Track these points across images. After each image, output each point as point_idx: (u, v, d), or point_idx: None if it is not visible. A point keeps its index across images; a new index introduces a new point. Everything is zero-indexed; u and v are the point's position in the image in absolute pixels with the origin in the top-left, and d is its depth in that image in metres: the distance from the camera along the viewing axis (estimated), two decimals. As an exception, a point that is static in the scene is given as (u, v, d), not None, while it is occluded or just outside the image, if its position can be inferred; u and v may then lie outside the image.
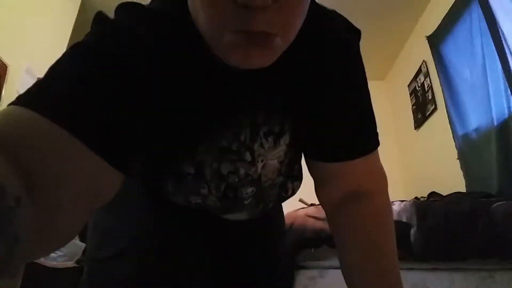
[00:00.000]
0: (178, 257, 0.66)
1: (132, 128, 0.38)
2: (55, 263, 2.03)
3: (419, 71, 3.17)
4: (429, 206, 1.60)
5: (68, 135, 0.32)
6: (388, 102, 3.91)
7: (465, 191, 2.26)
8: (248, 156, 0.56)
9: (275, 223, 0.84)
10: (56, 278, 2.01)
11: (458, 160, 2.43)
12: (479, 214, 1.54)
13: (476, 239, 1.49)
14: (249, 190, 0.60)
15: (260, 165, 0.58)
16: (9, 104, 0.33)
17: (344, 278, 0.60)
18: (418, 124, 3.20)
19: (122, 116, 0.37)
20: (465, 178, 2.34)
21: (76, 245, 2.17)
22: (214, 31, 0.38)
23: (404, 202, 1.67)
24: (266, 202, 0.66)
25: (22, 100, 0.33)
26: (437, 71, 2.75)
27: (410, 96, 3.36)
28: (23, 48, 2.37)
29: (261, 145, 0.56)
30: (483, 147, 2.16)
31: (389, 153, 3.75)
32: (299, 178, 0.69)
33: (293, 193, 0.70)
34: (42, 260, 1.95)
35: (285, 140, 0.57)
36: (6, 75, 2.23)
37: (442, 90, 2.65)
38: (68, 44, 2.86)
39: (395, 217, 1.57)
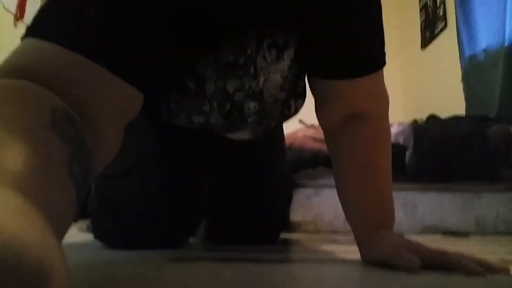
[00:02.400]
0: (180, 175, 0.71)
1: (142, 43, 0.39)
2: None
3: (433, -16, 2.94)
4: (427, 129, 1.62)
5: (91, 63, 0.34)
6: (395, 18, 3.69)
7: (464, 114, 2.26)
8: (252, 69, 0.55)
9: (276, 143, 0.87)
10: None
11: (461, 83, 2.39)
12: (474, 137, 1.56)
13: (468, 162, 1.54)
14: (252, 105, 0.60)
15: (262, 79, 0.57)
16: (24, 37, 0.34)
17: (339, 196, 0.62)
18: (425, 43, 3.07)
19: (133, 33, 0.38)
20: (466, 100, 2.33)
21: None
22: None
23: (402, 124, 1.68)
24: (269, 120, 0.66)
25: (38, 32, 0.34)
26: (452, -17, 2.55)
27: (420, 12, 3.17)
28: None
29: (264, 58, 0.55)
30: (489, 68, 2.11)
31: (392, 72, 3.66)
32: (302, 96, 0.68)
33: (296, 111, 0.70)
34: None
35: (289, 54, 0.56)
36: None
37: (455, 5, 2.49)
38: None
39: (392, 139, 1.59)
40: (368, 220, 0.55)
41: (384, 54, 0.57)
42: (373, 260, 0.51)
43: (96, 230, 0.76)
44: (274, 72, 0.57)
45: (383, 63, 0.57)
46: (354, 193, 0.58)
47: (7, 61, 0.32)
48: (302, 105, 0.70)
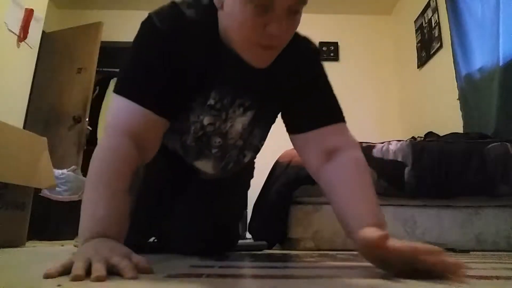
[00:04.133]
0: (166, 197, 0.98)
1: (175, 93, 0.73)
2: (60, 197, 2.10)
3: (427, 6, 3.01)
4: (425, 146, 1.63)
5: (153, 115, 0.70)
6: (393, 39, 3.78)
7: (462, 132, 2.28)
8: (223, 115, 0.81)
9: (239, 184, 1.11)
10: (62, 211, 2.10)
11: (458, 101, 2.42)
12: (473, 154, 1.57)
13: (467, 179, 1.54)
14: (217, 140, 0.84)
15: (229, 124, 0.82)
16: (118, 92, 0.70)
17: (335, 212, 0.71)
18: (422, 63, 3.12)
19: (172, 89, 0.73)
20: (463, 118, 2.34)
21: (80, 180, 2.24)
22: (248, 44, 0.66)
23: (401, 142, 1.69)
24: (228, 160, 0.89)
25: (123, 92, 0.70)
26: (446, 5, 2.62)
27: (416, 33, 3.24)
28: (7, -24, 2.22)
29: (234, 111, 0.81)
30: (485, 87, 2.13)
31: (389, 91, 3.72)
32: (255, 151, 0.93)
33: (248, 162, 0.95)
34: (48, 194, 2.02)
35: (251, 113, 0.83)
36: (-8, 6, 2.11)
37: (449, 26, 2.55)
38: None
39: (391, 156, 1.60)
40: (363, 222, 0.61)
41: (343, 115, 0.80)
42: (363, 248, 0.58)
43: None
44: (238, 123, 0.83)
45: (344, 119, 0.80)
46: (347, 203, 0.68)
47: (119, 125, 0.68)
48: (253, 159, 1.00)
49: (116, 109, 0.69)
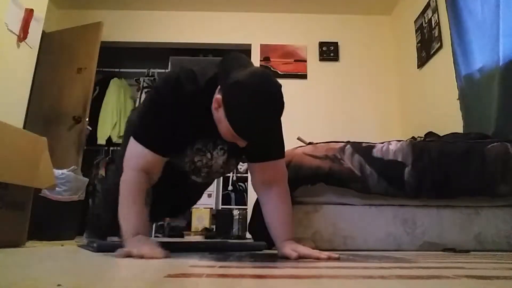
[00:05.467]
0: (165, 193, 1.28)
1: (173, 141, 1.10)
2: (60, 196, 2.10)
3: (427, 6, 3.01)
4: (425, 146, 1.63)
5: (157, 155, 1.09)
6: (393, 39, 3.78)
7: (462, 132, 2.27)
8: (209, 155, 1.18)
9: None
10: (62, 211, 2.10)
11: (458, 101, 2.42)
12: (473, 154, 1.57)
13: (467, 179, 1.53)
14: (205, 170, 1.20)
15: (213, 161, 1.19)
16: (134, 137, 1.11)
17: (267, 224, 1.18)
18: (422, 63, 3.12)
19: (171, 139, 1.10)
20: (463, 118, 2.34)
21: (80, 180, 2.24)
22: (224, 135, 1.01)
23: (401, 141, 1.69)
24: (211, 180, 1.38)
25: (141, 140, 1.09)
26: (446, 5, 2.61)
27: (416, 33, 3.24)
28: (7, -25, 2.22)
29: (216, 153, 1.18)
30: (485, 87, 2.13)
31: (390, 91, 3.72)
32: (231, 170, 1.36)
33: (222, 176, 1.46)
34: (48, 194, 2.02)
35: (227, 154, 1.19)
36: (-8, 5, 2.10)
37: (449, 26, 2.54)
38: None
39: (391, 156, 1.60)
40: (282, 236, 1.15)
41: (284, 151, 1.24)
42: (284, 254, 1.08)
43: (90, 233, 1.50)
44: (219, 160, 1.19)
45: (284, 155, 1.23)
46: (276, 222, 1.18)
47: (135, 162, 1.08)
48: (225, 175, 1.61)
49: (135, 151, 1.08)
